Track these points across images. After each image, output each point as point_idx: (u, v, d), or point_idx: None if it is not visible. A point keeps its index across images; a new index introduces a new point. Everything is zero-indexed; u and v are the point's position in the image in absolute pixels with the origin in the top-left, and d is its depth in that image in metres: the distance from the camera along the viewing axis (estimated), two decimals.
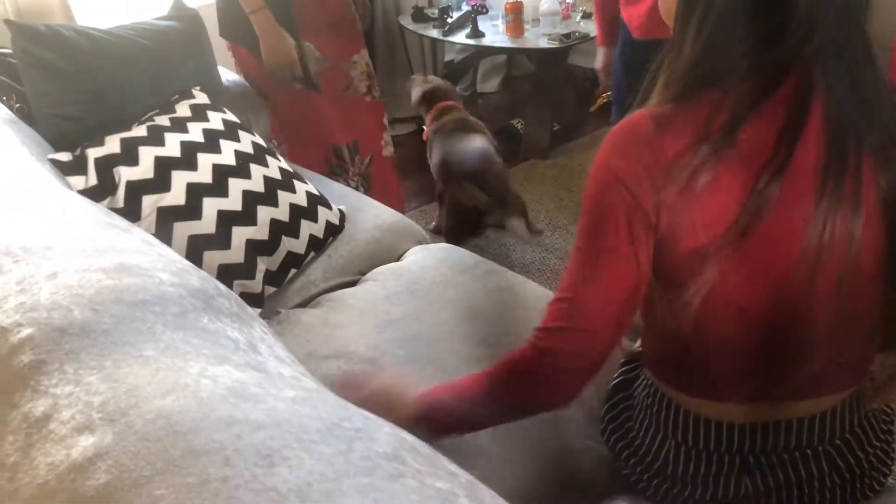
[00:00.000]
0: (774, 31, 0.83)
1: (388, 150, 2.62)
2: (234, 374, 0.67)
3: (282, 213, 1.73)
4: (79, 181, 1.58)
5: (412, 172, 3.30)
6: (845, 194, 0.83)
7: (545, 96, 3.51)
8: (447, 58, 4.17)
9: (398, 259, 1.86)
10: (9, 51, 1.86)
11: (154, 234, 1.54)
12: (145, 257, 0.89)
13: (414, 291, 1.66)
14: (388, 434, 0.62)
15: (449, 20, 3.46)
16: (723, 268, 0.86)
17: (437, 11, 3.56)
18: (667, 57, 0.90)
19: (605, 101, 3.63)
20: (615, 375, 1.28)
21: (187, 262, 0.97)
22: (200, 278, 0.90)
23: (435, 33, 3.48)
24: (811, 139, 0.84)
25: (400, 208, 2.49)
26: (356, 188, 2.46)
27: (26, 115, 1.77)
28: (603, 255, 0.89)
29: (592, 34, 3.20)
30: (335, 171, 2.47)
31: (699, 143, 0.84)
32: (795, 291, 0.87)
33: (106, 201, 1.58)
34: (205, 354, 0.71)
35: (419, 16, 3.59)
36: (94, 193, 1.57)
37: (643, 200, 0.86)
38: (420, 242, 1.94)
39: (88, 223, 0.97)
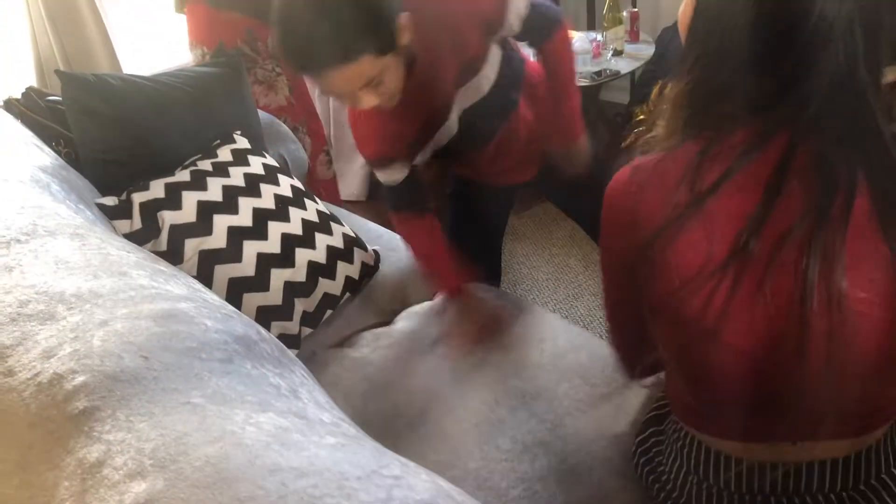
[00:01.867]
0: (767, 94, 0.83)
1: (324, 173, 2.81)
2: (278, 421, 0.70)
3: (319, 256, 1.77)
4: (124, 225, 1.63)
5: None
6: (832, 252, 0.81)
7: None
8: None
9: (431, 298, 1.89)
10: (58, 98, 1.94)
11: (196, 277, 1.59)
12: (191, 304, 0.93)
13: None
14: (425, 481, 0.64)
15: None
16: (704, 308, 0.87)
17: None
18: (671, 80, 0.93)
19: (636, 136, 3.64)
20: (648, 411, 1.29)
21: (231, 308, 1.00)
22: (243, 324, 0.94)
23: None
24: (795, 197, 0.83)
25: None
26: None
27: (74, 160, 1.83)
28: None
29: (623, 71, 3.23)
30: None
31: (675, 202, 0.86)
32: (788, 340, 0.87)
33: (150, 244, 1.63)
34: (249, 401, 0.73)
35: None
36: (138, 237, 1.62)
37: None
38: None
39: (136, 269, 1.01)
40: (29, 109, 1.91)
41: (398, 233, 1.82)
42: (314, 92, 2.80)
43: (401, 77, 1.38)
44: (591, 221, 1.71)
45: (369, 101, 1.35)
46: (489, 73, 1.60)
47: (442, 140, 1.65)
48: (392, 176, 1.64)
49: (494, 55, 1.59)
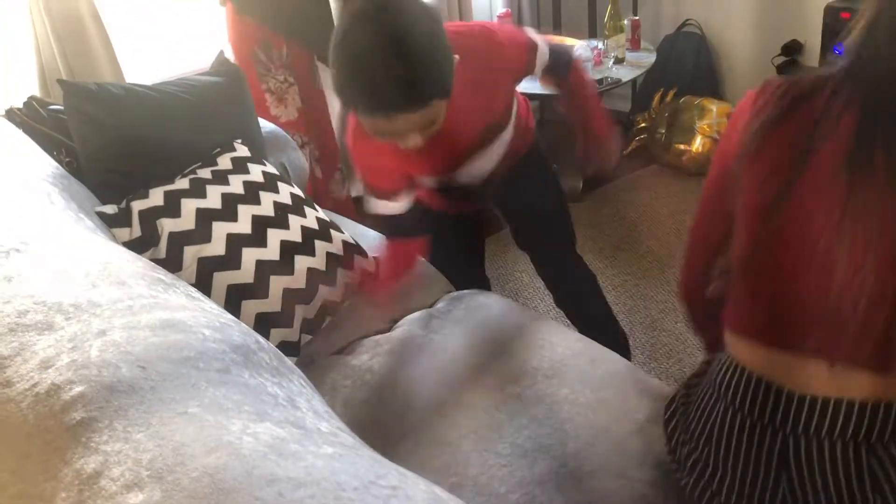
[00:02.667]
0: None
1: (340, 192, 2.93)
2: (275, 431, 0.70)
3: (318, 263, 1.77)
4: (123, 233, 1.64)
5: None
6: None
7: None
8: None
9: (430, 306, 1.89)
10: (59, 107, 1.94)
11: (195, 284, 1.60)
12: (189, 313, 0.93)
13: (443, 334, 1.69)
14: (423, 492, 0.64)
15: None
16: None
17: None
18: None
19: (639, 143, 3.64)
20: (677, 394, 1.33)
21: (229, 316, 1.00)
22: (241, 333, 0.94)
23: None
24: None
25: None
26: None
27: (75, 168, 1.84)
28: None
29: (625, 79, 3.24)
30: None
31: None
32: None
33: (149, 252, 1.63)
34: (246, 411, 0.73)
35: None
36: (137, 245, 1.62)
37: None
38: (449, 291, 1.96)
39: (135, 279, 1.01)
40: (31, 118, 1.92)
41: (381, 254, 1.86)
42: (332, 110, 2.84)
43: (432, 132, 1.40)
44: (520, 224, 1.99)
45: (416, 141, 1.37)
46: (505, 138, 1.77)
47: (453, 182, 1.78)
48: (393, 208, 1.67)
49: (511, 123, 1.78)
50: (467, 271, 2.15)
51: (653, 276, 2.82)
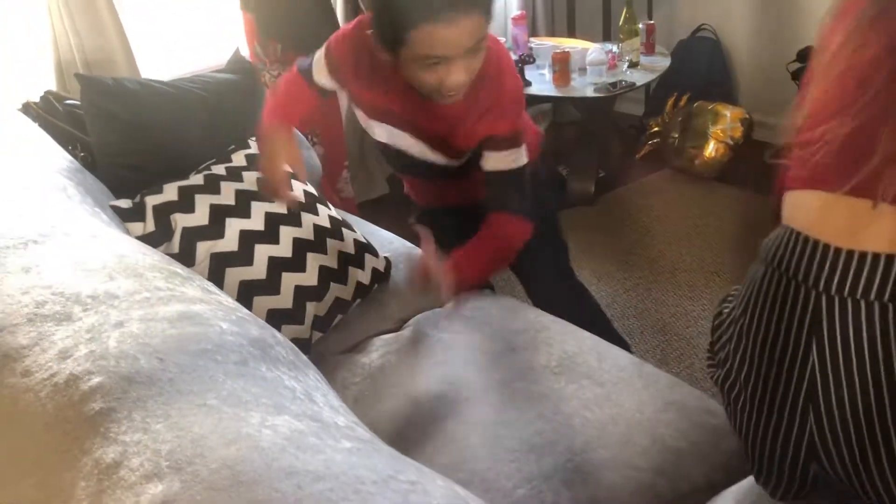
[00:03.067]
0: None
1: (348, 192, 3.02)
2: (293, 424, 0.70)
3: (330, 261, 1.77)
4: (137, 227, 1.64)
5: None
6: None
7: (591, 144, 3.54)
8: None
9: (439, 306, 1.88)
10: (75, 102, 1.95)
11: (207, 279, 1.60)
12: (206, 306, 0.93)
13: (452, 333, 1.69)
14: (441, 487, 0.64)
15: None
16: None
17: None
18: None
19: (651, 147, 3.64)
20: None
21: (246, 311, 1.00)
22: (259, 327, 0.93)
23: None
24: None
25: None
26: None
27: (90, 163, 1.84)
28: None
29: (639, 83, 3.23)
30: None
31: None
32: None
33: (163, 247, 1.63)
34: (264, 403, 0.73)
35: None
36: (151, 239, 1.62)
37: None
38: None
39: (152, 271, 1.01)
40: (47, 113, 1.93)
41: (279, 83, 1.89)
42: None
43: (471, 72, 1.46)
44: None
45: (459, 74, 1.43)
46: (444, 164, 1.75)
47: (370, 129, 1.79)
48: (321, 76, 1.74)
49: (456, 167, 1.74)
50: None
51: (664, 280, 2.81)
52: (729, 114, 3.40)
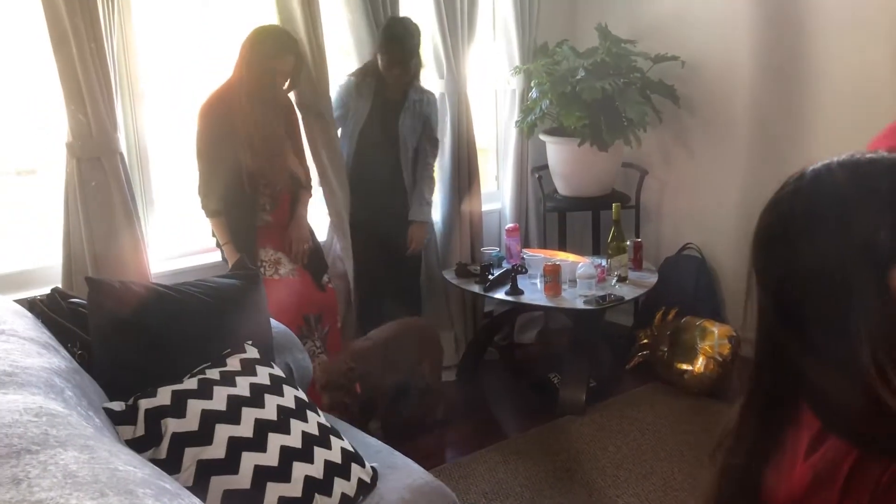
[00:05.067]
0: None
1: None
2: None
3: (316, 471, 1.76)
4: (127, 431, 1.65)
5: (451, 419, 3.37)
6: None
7: (582, 354, 3.59)
8: (486, 309, 4.33)
9: None
10: (80, 301, 2.02)
11: (191, 487, 1.58)
12: None
13: None
14: None
15: (490, 277, 3.64)
16: None
17: (478, 268, 3.75)
18: None
19: (641, 359, 3.68)
20: None
21: None
22: None
23: (476, 289, 3.65)
24: None
25: None
26: (319, 347, 3.10)
27: (86, 361, 1.88)
28: None
29: (627, 297, 3.34)
30: (303, 333, 3.02)
31: None
32: None
33: (149, 452, 1.63)
34: None
35: (462, 271, 3.78)
36: (139, 443, 1.63)
37: None
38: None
39: (142, 487, 1.02)
40: (51, 310, 1.99)
41: None
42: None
43: None
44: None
45: None
46: None
47: None
48: None
49: None
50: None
51: (656, 501, 2.75)
52: (717, 330, 3.47)
